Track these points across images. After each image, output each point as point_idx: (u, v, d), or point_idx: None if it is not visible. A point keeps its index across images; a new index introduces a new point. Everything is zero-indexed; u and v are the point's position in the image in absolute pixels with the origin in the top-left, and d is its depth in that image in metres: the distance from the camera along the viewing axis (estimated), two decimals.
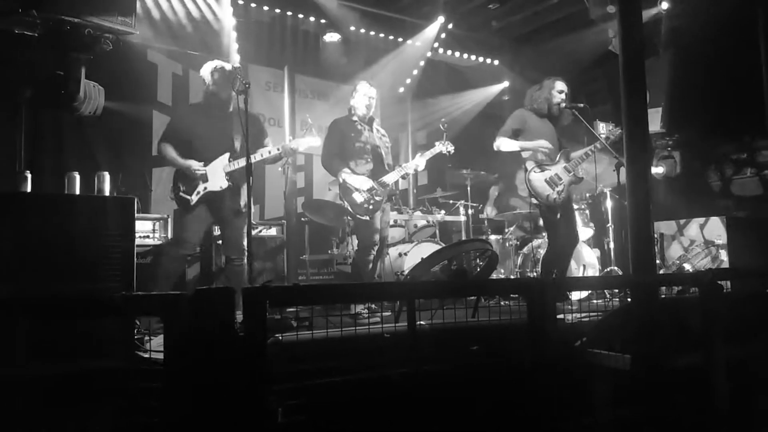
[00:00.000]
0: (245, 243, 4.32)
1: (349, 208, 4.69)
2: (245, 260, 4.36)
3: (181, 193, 4.33)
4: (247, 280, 4.29)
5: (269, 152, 4.44)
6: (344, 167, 4.75)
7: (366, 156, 4.85)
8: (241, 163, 4.26)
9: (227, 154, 4.39)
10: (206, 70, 4.48)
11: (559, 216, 4.97)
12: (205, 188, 4.33)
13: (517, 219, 6.61)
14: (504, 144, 5.01)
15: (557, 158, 4.98)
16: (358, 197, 4.67)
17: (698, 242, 6.29)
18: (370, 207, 4.69)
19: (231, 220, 4.43)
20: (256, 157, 4.35)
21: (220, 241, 4.91)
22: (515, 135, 5.05)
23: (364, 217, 4.69)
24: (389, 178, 4.82)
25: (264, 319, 2.10)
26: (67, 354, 2.76)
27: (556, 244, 4.97)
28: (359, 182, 4.71)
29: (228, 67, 4.50)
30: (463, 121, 8.29)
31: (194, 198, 4.32)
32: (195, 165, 4.32)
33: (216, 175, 4.36)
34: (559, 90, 5.03)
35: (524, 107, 5.15)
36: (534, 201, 4.97)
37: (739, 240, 5.93)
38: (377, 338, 2.99)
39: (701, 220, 6.33)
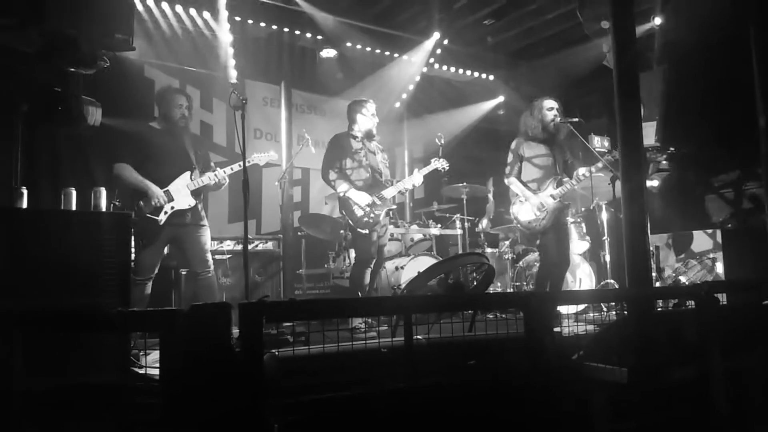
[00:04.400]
0: (209, 256, 4.50)
1: (349, 221, 4.75)
2: (212, 272, 4.50)
3: (148, 215, 4.28)
4: (217, 290, 4.50)
5: (210, 178, 4.53)
6: (345, 181, 4.80)
7: (365, 172, 4.91)
8: (204, 180, 4.47)
9: (188, 173, 4.46)
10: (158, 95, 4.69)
11: (539, 242, 5.02)
12: (172, 207, 4.35)
13: (513, 232, 6.63)
14: (515, 186, 5.02)
15: (546, 185, 4.94)
16: (358, 211, 4.75)
17: (694, 255, 6.30)
18: (369, 221, 4.75)
19: (191, 236, 4.45)
20: (210, 178, 4.51)
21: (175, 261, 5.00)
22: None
23: (363, 231, 4.75)
24: (388, 193, 4.88)
25: (260, 334, 2.09)
26: (63, 369, 2.75)
27: (547, 262, 5.01)
28: (359, 197, 4.77)
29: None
30: (459, 136, 8.33)
31: (162, 218, 4.32)
32: (159, 188, 4.33)
33: (180, 193, 4.39)
34: (548, 108, 4.96)
35: (520, 136, 5.09)
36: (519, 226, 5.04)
37: (734, 252, 5.94)
38: (374, 353, 2.99)
39: (696, 233, 6.36)
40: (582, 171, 4.91)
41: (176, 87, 4.71)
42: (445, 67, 8.14)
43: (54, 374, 2.75)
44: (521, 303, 3.04)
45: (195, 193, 4.46)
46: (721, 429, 3.08)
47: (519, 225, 5.01)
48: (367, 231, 4.78)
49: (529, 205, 4.91)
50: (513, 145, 5.08)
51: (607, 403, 3.05)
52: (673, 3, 6.71)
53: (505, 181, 5.07)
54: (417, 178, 5.11)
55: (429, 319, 3.54)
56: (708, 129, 6.66)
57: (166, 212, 4.32)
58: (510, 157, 5.06)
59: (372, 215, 4.77)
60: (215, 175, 4.53)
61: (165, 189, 4.37)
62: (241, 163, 4.54)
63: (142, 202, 4.29)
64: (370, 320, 4.55)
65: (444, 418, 2.66)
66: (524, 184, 4.98)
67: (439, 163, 5.25)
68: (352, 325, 4.25)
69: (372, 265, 4.89)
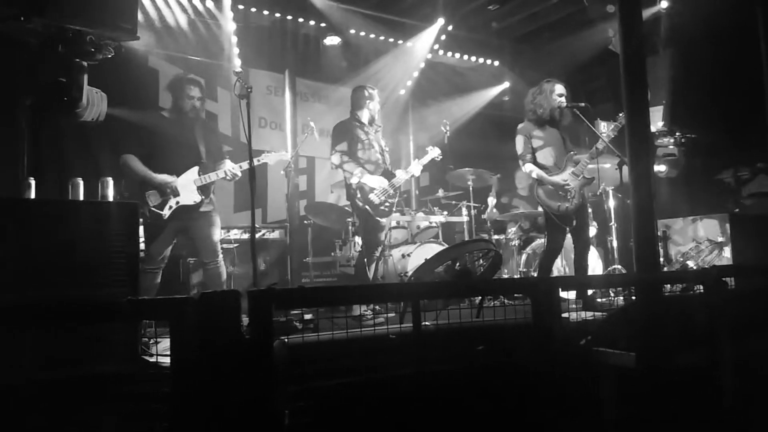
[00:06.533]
0: (217, 246, 4.47)
1: (367, 208, 4.72)
2: (220, 261, 4.47)
3: (153, 208, 4.27)
4: (224, 280, 4.49)
5: (225, 173, 4.50)
6: (358, 168, 4.79)
7: (373, 158, 4.91)
8: (212, 177, 4.40)
9: (196, 168, 4.42)
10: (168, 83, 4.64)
11: (574, 223, 4.91)
12: (177, 202, 4.32)
13: (519, 219, 6.62)
14: (536, 172, 4.90)
15: (564, 164, 4.94)
16: (375, 198, 4.73)
17: (702, 240, 6.28)
18: (385, 209, 4.76)
19: (199, 226, 4.44)
20: (218, 175, 4.46)
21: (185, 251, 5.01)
22: None
23: (382, 220, 4.75)
24: (398, 181, 4.88)
25: (270, 321, 2.10)
26: (74, 359, 2.77)
27: (556, 248, 4.96)
28: (375, 182, 4.77)
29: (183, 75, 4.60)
30: (465, 123, 8.29)
31: (167, 212, 4.29)
32: (168, 179, 4.30)
33: (187, 188, 4.35)
34: (558, 93, 4.98)
35: (526, 119, 5.05)
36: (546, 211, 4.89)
37: (742, 237, 5.92)
38: (383, 339, 3.00)
39: (704, 218, 6.33)
40: (598, 144, 4.90)
41: (190, 77, 4.65)
42: (449, 54, 8.08)
43: (64, 365, 2.77)
44: (529, 289, 3.04)
45: (202, 189, 4.42)
46: (730, 413, 3.08)
47: (548, 210, 4.86)
48: (384, 219, 4.77)
49: (553, 188, 4.85)
50: (521, 129, 5.02)
51: (615, 388, 3.06)
52: None
53: (523, 168, 4.97)
54: (416, 168, 5.12)
55: (437, 306, 3.55)
56: (715, 113, 6.62)
57: (171, 207, 4.30)
58: (521, 142, 4.97)
59: (389, 202, 4.78)
60: (224, 172, 4.48)
61: (175, 183, 4.34)
62: (252, 160, 4.56)
63: (147, 195, 4.28)
64: (377, 307, 4.56)
65: (452, 404, 2.67)
66: (541, 167, 4.93)
67: (434, 152, 5.25)
68: (360, 312, 4.26)
69: (378, 251, 4.90)
